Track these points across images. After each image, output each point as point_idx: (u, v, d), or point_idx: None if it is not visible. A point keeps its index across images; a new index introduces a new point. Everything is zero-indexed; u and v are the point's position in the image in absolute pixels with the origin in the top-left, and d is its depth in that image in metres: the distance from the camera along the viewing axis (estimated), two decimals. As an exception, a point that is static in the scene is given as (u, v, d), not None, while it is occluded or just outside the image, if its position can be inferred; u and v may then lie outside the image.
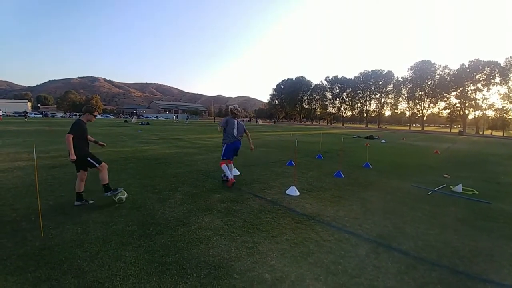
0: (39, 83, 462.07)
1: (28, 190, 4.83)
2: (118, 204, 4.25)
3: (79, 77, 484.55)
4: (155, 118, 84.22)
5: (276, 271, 2.63)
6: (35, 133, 16.80)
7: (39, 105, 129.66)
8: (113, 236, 3.18)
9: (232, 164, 5.96)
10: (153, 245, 3.01)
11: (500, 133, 64.92)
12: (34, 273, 2.42)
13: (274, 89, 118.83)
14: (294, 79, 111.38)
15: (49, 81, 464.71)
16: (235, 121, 5.72)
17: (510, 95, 60.18)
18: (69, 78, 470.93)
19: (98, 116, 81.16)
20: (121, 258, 2.71)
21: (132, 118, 56.23)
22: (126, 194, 4.41)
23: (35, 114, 70.09)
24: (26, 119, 40.24)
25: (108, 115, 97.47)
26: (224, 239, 3.26)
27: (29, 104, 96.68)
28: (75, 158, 3.81)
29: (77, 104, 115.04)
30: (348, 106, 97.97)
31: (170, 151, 10.62)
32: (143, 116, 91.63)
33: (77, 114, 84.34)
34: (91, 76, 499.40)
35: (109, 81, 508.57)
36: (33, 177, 5.56)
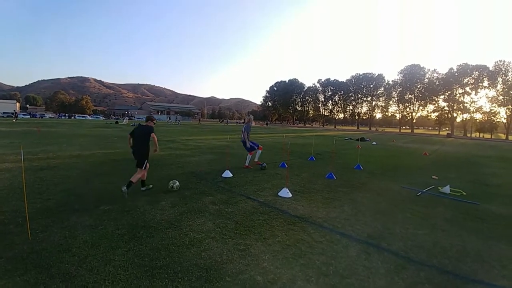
0: (27, 83, 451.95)
1: (16, 192, 4.72)
2: (108, 207, 4.19)
3: (68, 77, 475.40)
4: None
5: (268, 273, 2.63)
6: (23, 134, 16.42)
7: (27, 105, 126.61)
8: (102, 240, 3.12)
9: (250, 156, 8.28)
10: (143, 249, 2.97)
11: (488, 135, 66.52)
12: (22, 276, 2.38)
13: (268, 91, 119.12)
14: (287, 81, 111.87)
15: (38, 81, 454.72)
16: (244, 125, 8.40)
17: (499, 98, 61.70)
18: (59, 78, 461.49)
19: (88, 117, 80.00)
20: (110, 262, 2.67)
21: (124, 119, 55.46)
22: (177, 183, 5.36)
23: (23, 114, 68.48)
24: (14, 120, 39.28)
25: (98, 116, 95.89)
26: (216, 241, 3.24)
27: (18, 104, 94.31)
28: None
29: (66, 104, 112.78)
30: (340, 109, 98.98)
31: (162, 153, 10.51)
32: (134, 117, 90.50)
33: (66, 114, 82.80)
34: (81, 76, 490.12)
35: (100, 82, 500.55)
36: (20, 179, 5.43)
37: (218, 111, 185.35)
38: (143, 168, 5.05)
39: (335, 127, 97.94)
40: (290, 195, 5.30)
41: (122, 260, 2.72)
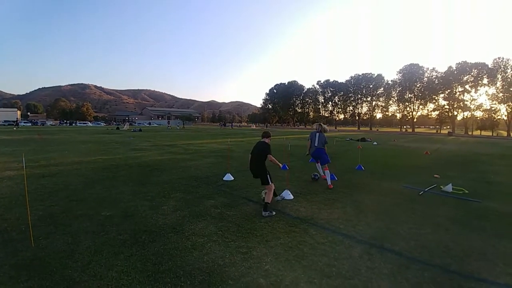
0: (28, 91, 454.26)
1: (18, 199, 4.74)
2: (110, 213, 4.20)
3: (69, 85, 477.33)
4: (148, 125, 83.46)
5: (271, 276, 2.62)
6: (24, 142, 16.48)
7: (28, 113, 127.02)
8: (104, 246, 3.13)
9: (319, 165, 6.97)
10: (145, 254, 2.97)
11: (489, 133, 66.30)
12: (26, 283, 2.39)
13: (267, 94, 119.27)
14: (286, 83, 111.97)
15: (39, 89, 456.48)
16: (317, 134, 6.81)
17: (499, 95, 61.54)
18: (59, 86, 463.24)
19: (89, 124, 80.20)
20: (113, 268, 2.67)
21: (124, 125, 55.55)
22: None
23: (24, 122, 68.70)
24: (15, 128, 39.46)
25: (99, 123, 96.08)
26: (218, 245, 3.24)
27: (19, 112, 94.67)
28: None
29: (67, 111, 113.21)
30: (340, 110, 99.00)
31: (162, 158, 10.54)
32: (135, 123, 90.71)
33: (67, 122, 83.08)
34: (82, 83, 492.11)
35: (100, 88, 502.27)
36: (22, 186, 5.44)
37: (218, 115, 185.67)
38: (269, 183, 4.58)
39: (335, 128, 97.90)
40: (292, 197, 5.29)
41: (125, 265, 2.73)
